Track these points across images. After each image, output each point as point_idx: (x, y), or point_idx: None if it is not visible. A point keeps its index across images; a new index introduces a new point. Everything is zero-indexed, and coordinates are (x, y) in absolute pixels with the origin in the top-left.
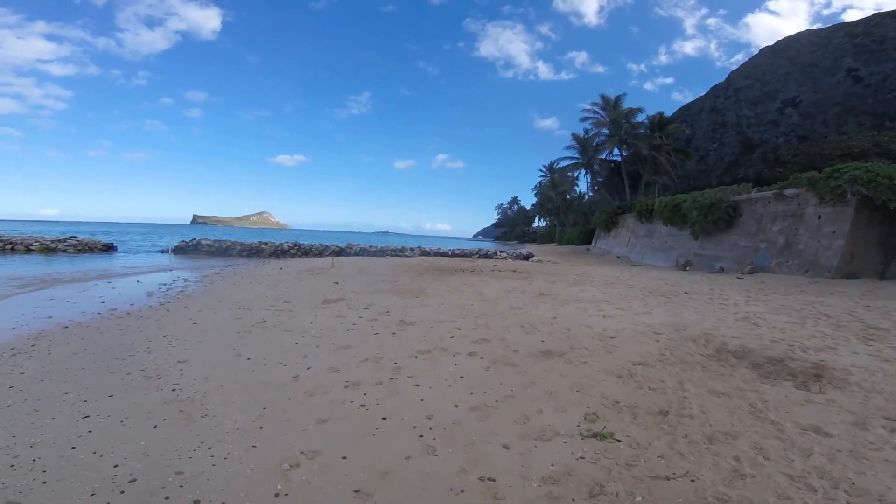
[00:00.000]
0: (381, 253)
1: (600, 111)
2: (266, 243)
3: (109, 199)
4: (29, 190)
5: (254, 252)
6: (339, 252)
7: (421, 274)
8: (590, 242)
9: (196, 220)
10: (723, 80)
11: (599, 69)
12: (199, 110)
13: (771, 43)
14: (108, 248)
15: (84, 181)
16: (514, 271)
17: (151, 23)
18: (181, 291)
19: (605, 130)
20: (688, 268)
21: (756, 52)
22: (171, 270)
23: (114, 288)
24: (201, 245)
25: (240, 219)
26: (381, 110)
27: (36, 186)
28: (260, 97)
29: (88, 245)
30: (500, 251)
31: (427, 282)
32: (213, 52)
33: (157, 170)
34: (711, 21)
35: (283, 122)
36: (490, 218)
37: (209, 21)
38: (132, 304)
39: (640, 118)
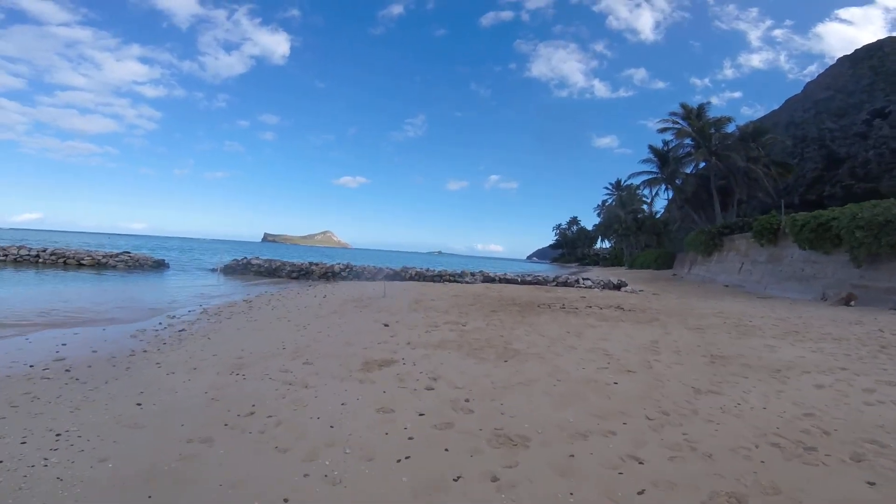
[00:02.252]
0: (439, 278)
1: (681, 121)
2: (317, 264)
3: (191, 216)
4: (122, 205)
5: (303, 273)
6: (393, 276)
7: (494, 311)
8: (669, 266)
9: (266, 238)
10: (798, 92)
11: (660, 85)
12: (271, 133)
13: (848, 52)
14: (159, 266)
15: (170, 198)
16: (620, 308)
17: (229, 47)
18: (180, 332)
19: (689, 141)
20: (853, 302)
21: (831, 62)
22: (205, 296)
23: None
24: (251, 265)
25: (305, 237)
26: (434, 132)
27: (128, 202)
28: (325, 121)
29: (140, 261)
30: (583, 277)
31: (509, 326)
32: (283, 77)
33: (233, 189)
34: (778, 32)
35: (346, 144)
36: (544, 239)
37: (279, 46)
38: (95, 352)
39: (730, 128)
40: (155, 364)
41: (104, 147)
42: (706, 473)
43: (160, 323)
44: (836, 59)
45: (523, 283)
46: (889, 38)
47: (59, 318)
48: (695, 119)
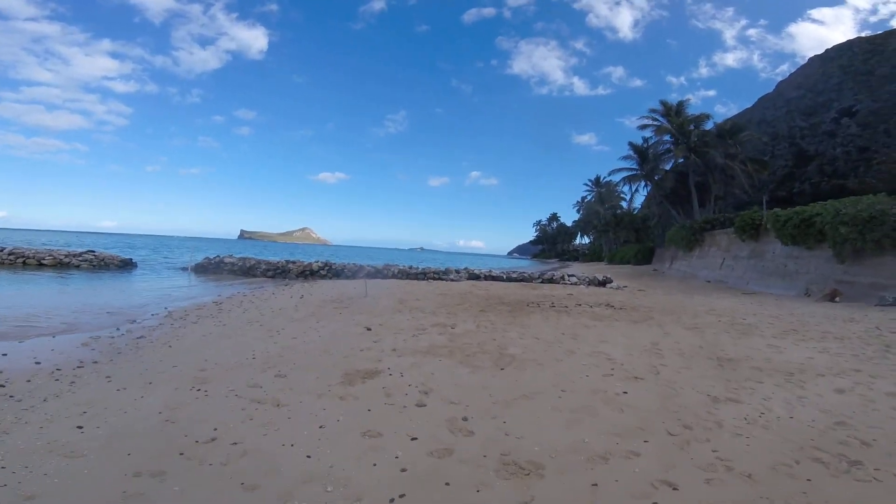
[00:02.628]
0: (423, 276)
1: (661, 118)
2: (294, 262)
3: (164, 213)
4: (91, 202)
5: (279, 272)
6: (375, 273)
7: (483, 311)
8: (648, 262)
9: (243, 235)
10: (770, 90)
11: (637, 83)
12: (247, 128)
13: (819, 52)
14: (126, 265)
15: (141, 195)
16: (611, 306)
17: (204, 41)
18: (138, 339)
19: (668, 138)
20: (837, 298)
21: (802, 61)
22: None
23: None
24: (224, 263)
25: (283, 234)
26: (416, 128)
27: (97, 200)
28: (304, 116)
29: (105, 261)
30: (567, 274)
31: (500, 328)
32: (260, 72)
33: (208, 185)
34: (752, 32)
35: (325, 140)
36: (525, 235)
37: (256, 41)
38: (38, 364)
39: (708, 125)
40: (105, 378)
41: (72, 143)
42: (752, 497)
43: (118, 329)
44: (807, 58)
45: (509, 280)
46: (858, 38)
47: (4, 328)
48: (674, 116)
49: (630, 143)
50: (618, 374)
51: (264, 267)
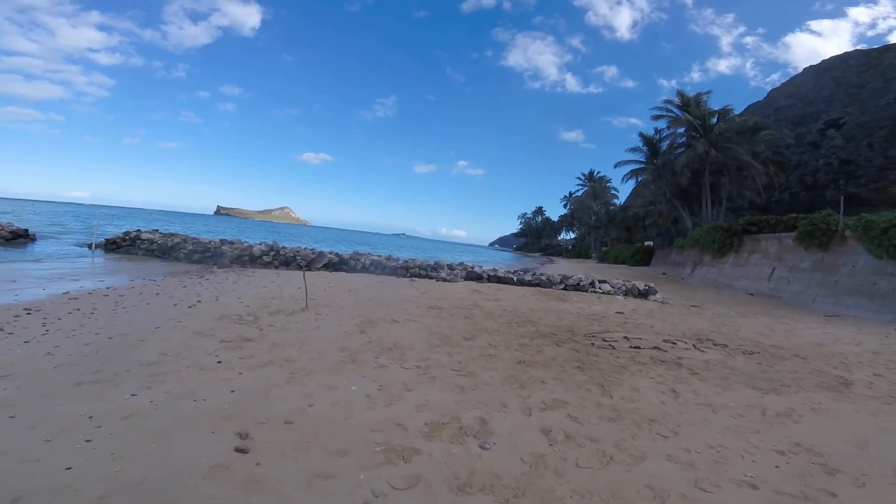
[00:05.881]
0: (405, 271)
1: (676, 110)
2: (231, 243)
3: (139, 186)
4: (63, 173)
5: (209, 255)
6: (338, 264)
7: (521, 361)
8: (646, 263)
9: (220, 211)
10: (760, 98)
11: (629, 84)
12: (232, 104)
13: (814, 62)
14: (19, 237)
15: (117, 167)
16: (711, 342)
17: (196, 17)
18: None
19: (682, 131)
20: None
21: (794, 72)
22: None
23: None
24: (141, 241)
25: (262, 212)
26: (405, 114)
27: (70, 170)
28: (291, 95)
29: None
30: (599, 281)
31: (610, 439)
32: (250, 49)
33: (187, 160)
34: (749, 40)
35: (311, 120)
36: (507, 227)
37: (250, 18)
38: None
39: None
40: None
41: (48, 114)
42: None
43: None
44: (799, 68)
45: (521, 283)
46: (856, 50)
47: None
48: (694, 107)
49: (641, 135)
50: None
51: (190, 248)
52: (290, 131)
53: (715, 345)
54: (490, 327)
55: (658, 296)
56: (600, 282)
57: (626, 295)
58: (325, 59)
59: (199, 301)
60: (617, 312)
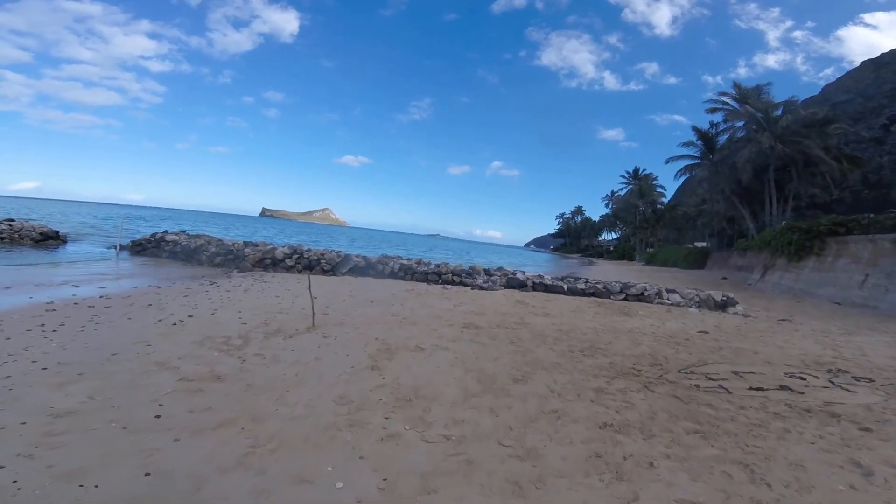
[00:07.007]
0: (436, 276)
1: (732, 102)
2: (255, 245)
3: (190, 189)
4: (122, 176)
5: (231, 258)
6: (365, 268)
7: (609, 423)
8: (700, 266)
9: (265, 213)
10: (815, 94)
11: (672, 80)
12: (275, 110)
13: (873, 56)
14: (48, 239)
15: (170, 171)
16: (873, 382)
17: (238, 24)
18: None
19: (742, 123)
20: None
21: (849, 66)
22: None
23: None
24: (165, 242)
25: (303, 214)
26: (440, 116)
27: (128, 173)
28: (330, 100)
29: (21, 234)
30: (667, 290)
31: None
32: (290, 55)
33: (234, 164)
34: (798, 34)
35: (350, 124)
36: (543, 227)
37: (288, 24)
38: None
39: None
40: None
41: (106, 119)
42: None
43: None
44: (854, 63)
45: (573, 292)
46: None
47: None
48: (755, 100)
49: (695, 128)
50: None
51: (213, 250)
52: (331, 135)
53: (856, 379)
54: (546, 359)
55: (739, 307)
56: (668, 291)
57: (699, 307)
58: (360, 64)
59: (190, 316)
60: (700, 332)
